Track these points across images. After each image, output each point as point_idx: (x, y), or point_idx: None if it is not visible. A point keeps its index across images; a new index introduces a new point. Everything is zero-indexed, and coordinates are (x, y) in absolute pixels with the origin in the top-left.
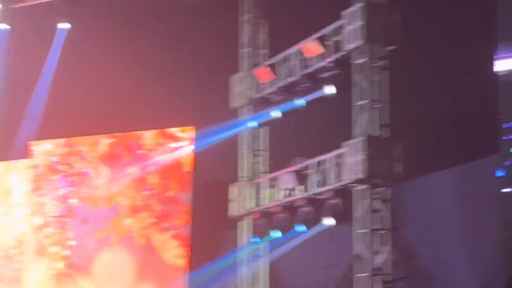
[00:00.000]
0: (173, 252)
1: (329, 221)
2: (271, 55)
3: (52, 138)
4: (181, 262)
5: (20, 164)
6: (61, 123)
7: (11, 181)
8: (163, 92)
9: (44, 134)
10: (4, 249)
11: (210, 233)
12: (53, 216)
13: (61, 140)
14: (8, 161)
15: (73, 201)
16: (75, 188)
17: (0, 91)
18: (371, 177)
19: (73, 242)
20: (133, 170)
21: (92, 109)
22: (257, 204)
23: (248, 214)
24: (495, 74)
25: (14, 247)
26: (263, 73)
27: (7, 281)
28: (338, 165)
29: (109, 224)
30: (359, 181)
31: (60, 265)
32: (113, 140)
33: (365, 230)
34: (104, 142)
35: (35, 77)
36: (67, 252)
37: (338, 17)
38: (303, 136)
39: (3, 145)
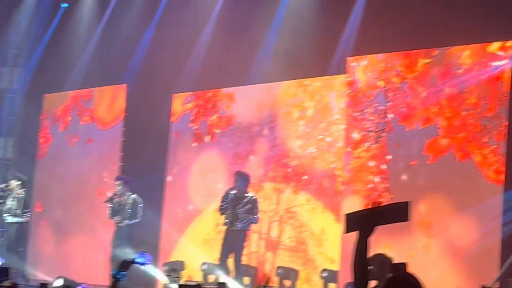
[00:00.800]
0: (493, 168)
1: None
2: None
3: (369, 53)
4: (500, 178)
5: (338, 80)
6: (378, 39)
7: (329, 97)
8: (482, 3)
9: (361, 50)
10: (325, 164)
11: None
12: (371, 131)
13: (379, 56)
14: (326, 76)
15: (390, 116)
16: (392, 104)
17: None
18: None
19: (389, 157)
20: (450, 90)
21: (408, 24)
22: None
23: None
24: None
25: (333, 162)
26: None
27: (328, 195)
28: None
29: (427, 144)
30: None
31: (377, 179)
32: (429, 60)
33: None
34: (421, 61)
35: None
36: (384, 167)
37: None
38: None
39: (322, 61)
